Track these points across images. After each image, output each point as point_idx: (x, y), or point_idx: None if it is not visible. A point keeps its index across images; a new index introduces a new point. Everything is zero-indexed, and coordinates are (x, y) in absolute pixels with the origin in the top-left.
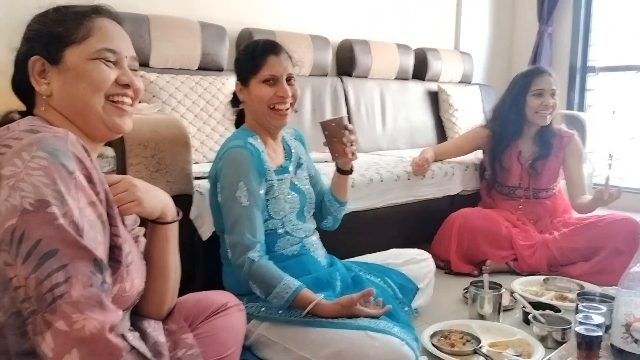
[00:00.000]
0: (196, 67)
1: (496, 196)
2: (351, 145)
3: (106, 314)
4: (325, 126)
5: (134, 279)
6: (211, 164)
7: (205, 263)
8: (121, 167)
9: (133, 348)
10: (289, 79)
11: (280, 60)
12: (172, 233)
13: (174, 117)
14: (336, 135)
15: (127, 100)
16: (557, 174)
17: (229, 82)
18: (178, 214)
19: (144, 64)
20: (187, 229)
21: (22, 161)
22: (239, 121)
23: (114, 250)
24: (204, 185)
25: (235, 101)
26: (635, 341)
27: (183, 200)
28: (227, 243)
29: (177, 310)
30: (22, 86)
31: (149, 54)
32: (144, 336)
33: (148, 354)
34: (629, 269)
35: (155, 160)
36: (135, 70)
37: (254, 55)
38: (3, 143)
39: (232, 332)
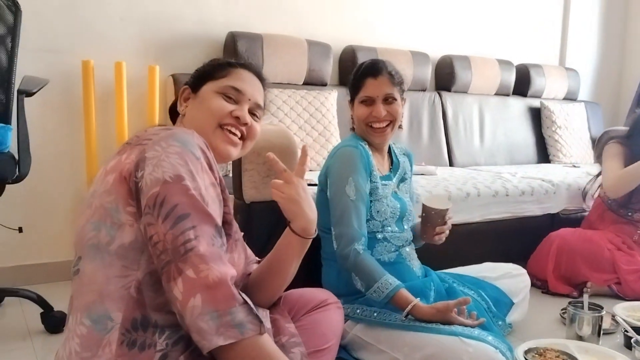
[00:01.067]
0: (302, 82)
1: (609, 217)
2: (442, 234)
3: (226, 267)
4: (426, 210)
5: (240, 253)
6: (310, 172)
7: (306, 263)
8: (237, 172)
9: (245, 302)
10: (387, 99)
11: (378, 82)
12: (303, 248)
13: (284, 128)
14: (432, 222)
15: (237, 132)
16: None
17: (332, 96)
18: (315, 233)
19: None
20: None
21: (161, 147)
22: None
23: (225, 225)
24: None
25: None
26: None
27: None
28: (333, 235)
29: (282, 302)
30: (173, 108)
31: (261, 70)
32: None
33: (255, 310)
34: None
35: (267, 167)
36: (256, 115)
37: (356, 77)
38: (145, 137)
39: (331, 326)
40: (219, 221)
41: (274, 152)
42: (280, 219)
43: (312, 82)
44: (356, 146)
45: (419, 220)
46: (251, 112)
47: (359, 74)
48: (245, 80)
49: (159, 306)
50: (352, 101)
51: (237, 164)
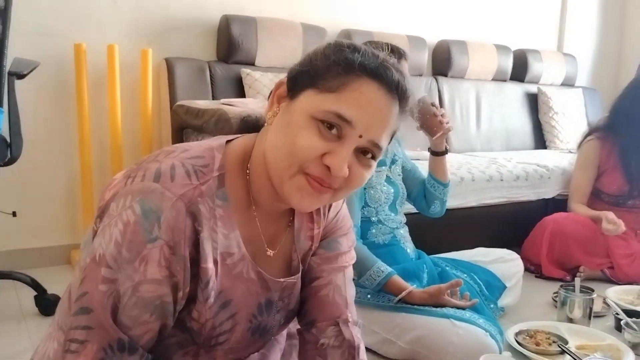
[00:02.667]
0: None
1: (602, 206)
2: (442, 116)
3: None
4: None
5: (215, 358)
6: None
7: None
8: None
9: None
10: None
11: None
12: None
13: None
14: (427, 112)
15: (322, 183)
16: None
17: None
18: None
19: (251, 63)
20: None
21: (122, 206)
22: None
23: (190, 330)
24: None
25: None
26: None
27: None
28: None
29: None
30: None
31: (255, 54)
32: None
33: None
34: None
35: None
36: (370, 153)
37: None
38: (138, 172)
39: None
40: (139, 330)
41: None
42: None
43: None
44: None
45: None
46: (362, 151)
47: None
48: (363, 103)
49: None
50: None
51: None
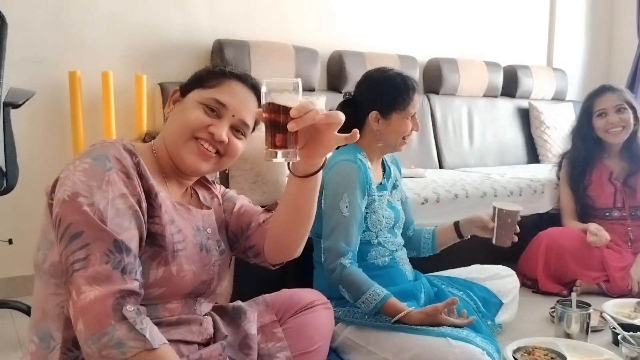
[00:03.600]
0: None
1: (591, 221)
2: (514, 235)
3: (111, 285)
4: (500, 214)
5: (183, 265)
6: None
7: (297, 265)
8: (224, 177)
9: (125, 318)
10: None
11: (419, 99)
12: (318, 182)
13: None
14: (506, 226)
15: (211, 148)
16: None
17: (320, 101)
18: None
19: None
20: None
21: (73, 166)
22: None
23: (156, 236)
24: None
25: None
26: None
27: None
28: (322, 247)
29: (271, 304)
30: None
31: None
32: (236, 329)
33: (147, 334)
34: None
35: (254, 173)
36: (240, 132)
37: (404, 91)
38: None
39: (318, 328)
40: (125, 235)
41: (261, 158)
42: None
43: None
44: (354, 161)
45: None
46: (235, 129)
47: (408, 88)
48: (234, 95)
49: None
50: (387, 115)
51: (223, 171)
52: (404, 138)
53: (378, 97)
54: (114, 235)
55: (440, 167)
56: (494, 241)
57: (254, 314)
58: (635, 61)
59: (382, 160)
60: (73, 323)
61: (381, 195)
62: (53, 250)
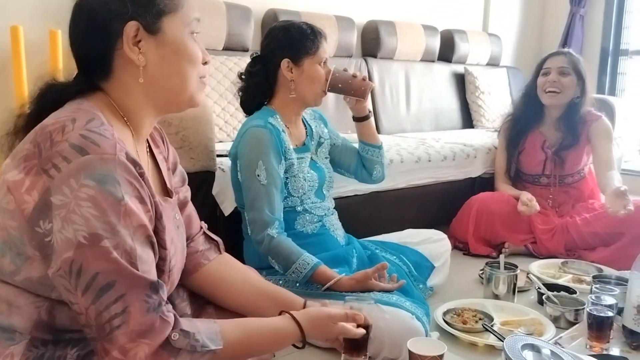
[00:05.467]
0: (221, 48)
1: (522, 184)
2: (357, 76)
3: (157, 335)
4: (332, 83)
5: (175, 280)
6: (229, 150)
7: (227, 238)
8: None
9: (181, 350)
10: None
11: (327, 45)
12: None
13: None
14: (347, 78)
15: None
16: (580, 159)
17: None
18: None
19: None
20: (209, 204)
21: (70, 190)
22: (252, 102)
23: (159, 262)
24: (226, 162)
25: (255, 78)
26: None
27: (205, 177)
28: (247, 220)
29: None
30: (95, 52)
31: None
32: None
33: (199, 347)
34: None
35: (179, 137)
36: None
37: (312, 37)
38: (50, 156)
39: None
40: (153, 272)
41: (187, 121)
42: (201, 193)
43: (232, 47)
44: (264, 126)
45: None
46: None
47: (316, 34)
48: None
49: (73, 325)
50: (298, 62)
51: None
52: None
53: (287, 44)
54: (149, 279)
55: (378, 132)
56: (360, 95)
57: (186, 292)
58: (566, 27)
59: (303, 119)
60: None
61: (301, 158)
62: (32, 266)
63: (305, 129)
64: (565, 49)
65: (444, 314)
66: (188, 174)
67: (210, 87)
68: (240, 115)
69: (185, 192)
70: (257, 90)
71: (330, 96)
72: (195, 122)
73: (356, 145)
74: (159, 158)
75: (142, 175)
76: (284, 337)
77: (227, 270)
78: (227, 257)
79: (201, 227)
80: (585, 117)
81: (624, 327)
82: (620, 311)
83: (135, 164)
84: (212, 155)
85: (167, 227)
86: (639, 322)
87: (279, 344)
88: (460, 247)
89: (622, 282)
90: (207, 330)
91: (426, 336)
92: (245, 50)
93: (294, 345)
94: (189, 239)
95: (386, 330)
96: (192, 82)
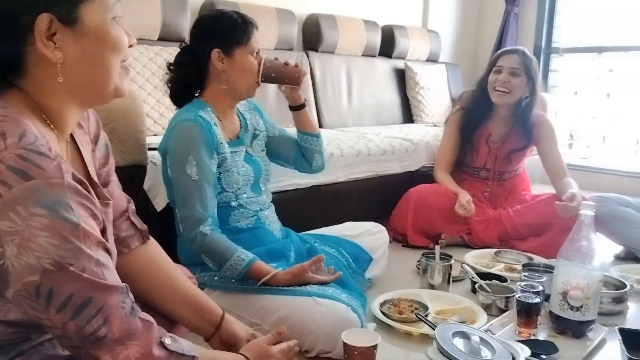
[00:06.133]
0: (156, 38)
1: (461, 175)
2: (289, 64)
3: (144, 336)
4: (265, 73)
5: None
6: (159, 145)
7: (160, 234)
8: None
9: (173, 352)
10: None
11: (259, 36)
12: None
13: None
14: (279, 66)
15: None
16: (522, 157)
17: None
18: None
19: None
20: (141, 200)
21: (19, 217)
22: (182, 94)
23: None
24: (158, 156)
25: (184, 69)
26: (571, 308)
27: (136, 171)
28: (178, 217)
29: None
30: (5, 50)
31: None
32: None
33: (187, 351)
34: (568, 241)
35: (108, 130)
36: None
37: (243, 26)
38: None
39: None
40: (117, 275)
41: (116, 113)
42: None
43: (168, 37)
44: (194, 119)
45: None
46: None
47: (247, 24)
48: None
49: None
50: (229, 52)
51: None
52: (257, 82)
53: (216, 33)
54: (119, 285)
55: (320, 126)
56: (294, 83)
57: None
58: (502, 25)
59: (237, 112)
60: None
61: (235, 152)
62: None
63: (240, 121)
64: (520, 48)
65: (381, 305)
66: (118, 168)
67: (144, 79)
68: None
69: (110, 166)
70: (186, 82)
71: (271, 91)
72: (124, 114)
73: (294, 135)
74: (83, 142)
75: (88, 190)
76: None
77: (148, 266)
78: (152, 250)
79: (127, 211)
80: (532, 118)
81: (550, 312)
82: (547, 298)
83: (81, 182)
84: (143, 148)
85: (109, 229)
86: (564, 308)
87: None
88: (400, 239)
89: (549, 270)
90: (184, 341)
91: (362, 327)
92: (182, 40)
93: None
94: (112, 222)
95: (322, 323)
96: (117, 72)
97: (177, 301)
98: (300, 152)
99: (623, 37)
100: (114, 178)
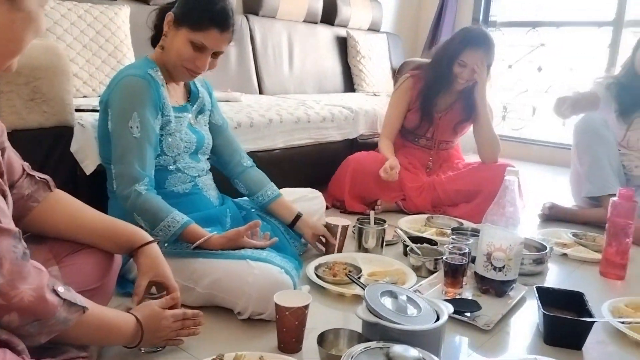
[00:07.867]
0: None
1: (399, 142)
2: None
3: (38, 277)
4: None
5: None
6: (100, 97)
7: (88, 198)
8: None
9: (65, 300)
10: (216, 54)
11: (221, 39)
12: None
13: (51, 43)
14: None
15: None
16: (465, 130)
17: (123, 12)
18: None
19: None
20: (67, 162)
21: None
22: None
23: None
24: (86, 117)
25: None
26: (494, 268)
27: (62, 133)
28: (113, 173)
29: (48, 242)
30: None
31: None
32: None
33: (79, 301)
34: (493, 206)
35: (30, 89)
36: None
37: (207, 12)
38: None
39: (99, 264)
40: (13, 222)
41: (40, 71)
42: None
43: None
44: (143, 76)
45: None
46: None
47: (210, 16)
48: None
49: None
50: (178, 25)
51: None
52: (185, 67)
53: (185, 2)
54: (12, 229)
55: (260, 92)
56: (328, 252)
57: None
58: None
59: (190, 82)
60: None
61: (180, 117)
62: None
63: (191, 92)
64: (485, 41)
65: (316, 268)
66: (41, 129)
67: (73, 37)
68: (108, 68)
69: (1, 134)
70: (154, 34)
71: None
72: (49, 72)
73: (238, 145)
74: None
75: None
76: (126, 329)
77: (57, 210)
78: (60, 195)
79: (24, 170)
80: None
81: (475, 273)
82: (474, 260)
83: None
84: (70, 109)
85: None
86: (488, 269)
87: (121, 333)
88: (338, 205)
89: (477, 233)
90: (78, 295)
91: (295, 289)
92: None
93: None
94: (12, 186)
95: (254, 285)
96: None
97: (92, 237)
98: (230, 161)
99: (556, 13)
100: (8, 149)
